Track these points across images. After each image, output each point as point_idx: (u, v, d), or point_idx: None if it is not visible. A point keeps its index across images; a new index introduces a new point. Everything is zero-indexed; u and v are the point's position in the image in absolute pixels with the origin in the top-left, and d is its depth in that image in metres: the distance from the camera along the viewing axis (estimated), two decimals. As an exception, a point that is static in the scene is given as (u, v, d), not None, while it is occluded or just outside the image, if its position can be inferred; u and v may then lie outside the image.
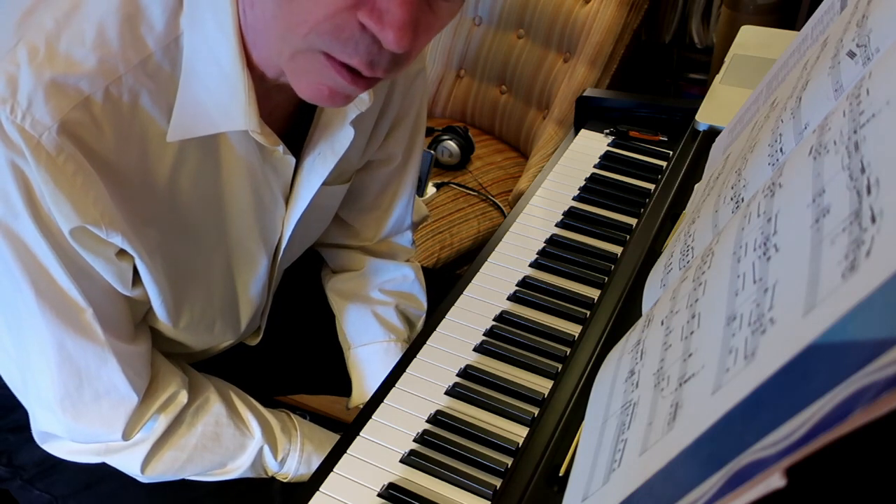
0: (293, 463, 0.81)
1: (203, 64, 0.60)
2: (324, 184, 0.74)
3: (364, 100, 0.69)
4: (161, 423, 0.74)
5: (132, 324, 0.71)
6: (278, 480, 0.82)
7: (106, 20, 0.57)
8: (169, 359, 0.78)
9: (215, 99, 0.61)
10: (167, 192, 0.65)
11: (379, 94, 0.79)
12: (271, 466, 0.80)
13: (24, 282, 0.61)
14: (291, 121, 0.72)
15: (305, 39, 0.54)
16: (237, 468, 0.78)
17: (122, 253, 0.64)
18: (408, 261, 0.99)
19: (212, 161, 0.66)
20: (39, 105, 0.55)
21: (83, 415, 0.69)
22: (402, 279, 0.97)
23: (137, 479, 0.76)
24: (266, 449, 0.79)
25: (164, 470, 0.75)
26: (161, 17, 0.59)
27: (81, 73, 0.56)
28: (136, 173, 0.62)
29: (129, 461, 0.74)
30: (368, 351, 0.94)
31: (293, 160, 0.70)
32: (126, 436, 0.72)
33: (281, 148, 0.67)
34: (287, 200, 0.75)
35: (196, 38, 0.59)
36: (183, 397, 0.75)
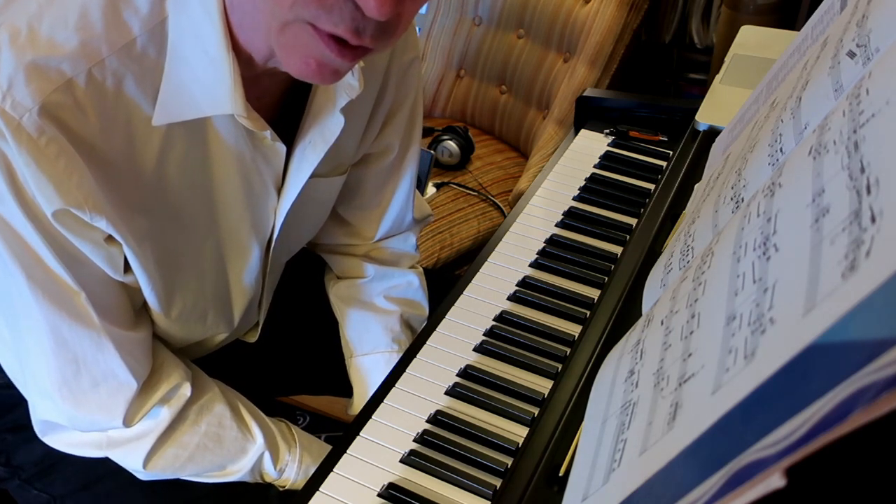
0: (291, 473, 0.81)
1: (188, 47, 0.60)
2: (317, 175, 0.74)
3: (354, 86, 0.69)
4: (165, 416, 0.73)
5: (130, 310, 0.71)
6: (276, 485, 0.82)
7: (89, 3, 0.57)
8: (172, 350, 0.78)
9: (201, 83, 0.61)
10: (155, 178, 0.64)
11: (372, 83, 0.79)
12: (270, 473, 0.80)
13: (15, 266, 0.61)
14: (282, 110, 0.71)
15: (292, 10, 0.54)
16: (236, 471, 0.78)
17: (110, 238, 0.64)
18: (412, 267, 0.99)
19: (199, 147, 0.66)
20: (20, 87, 0.55)
21: (82, 402, 0.69)
22: (406, 286, 0.97)
23: (137, 475, 0.76)
24: (266, 455, 0.79)
25: (164, 467, 0.75)
26: (146, 0, 0.58)
27: (63, 55, 0.56)
28: (121, 159, 0.62)
29: (131, 456, 0.74)
30: (371, 360, 0.93)
31: (283, 147, 0.70)
32: (127, 422, 0.71)
33: (269, 133, 0.67)
34: (279, 191, 0.74)
35: (182, 22, 0.59)
36: (186, 390, 0.75)
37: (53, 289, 0.63)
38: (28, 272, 0.62)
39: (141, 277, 0.68)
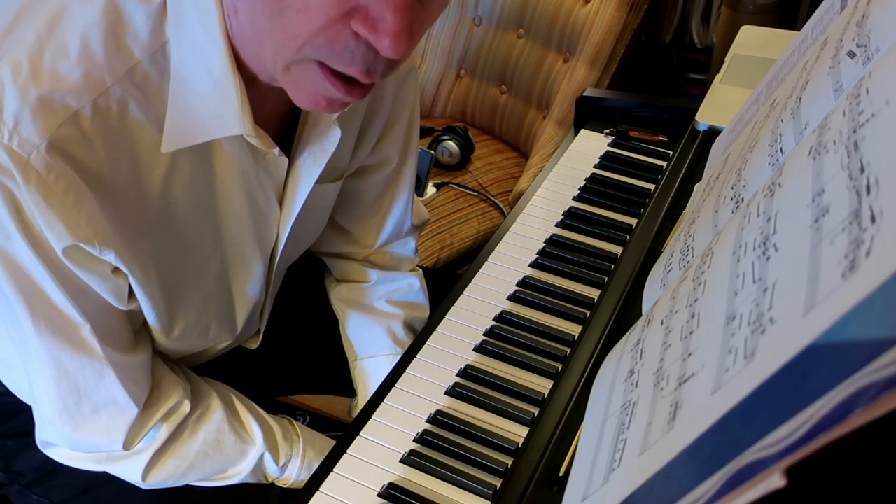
0: (294, 469, 0.81)
1: (192, 71, 0.59)
2: (316, 182, 0.74)
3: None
4: (163, 432, 0.74)
5: (131, 333, 0.71)
6: (277, 485, 0.82)
7: (89, 31, 0.56)
8: (170, 364, 0.78)
9: (207, 105, 0.60)
10: (160, 201, 0.64)
11: None
12: (272, 472, 0.80)
13: (18, 301, 0.61)
14: (283, 122, 0.71)
15: (300, 52, 0.54)
16: (238, 473, 0.78)
17: (117, 269, 0.63)
18: (412, 270, 0.99)
19: (205, 167, 0.65)
20: (27, 124, 0.54)
21: (82, 427, 0.69)
22: (408, 288, 0.97)
23: (138, 486, 0.76)
24: (267, 455, 0.79)
25: (165, 477, 0.75)
26: (145, 25, 0.57)
27: (68, 87, 0.55)
28: (128, 185, 0.61)
29: (130, 470, 0.74)
30: (375, 363, 0.93)
31: (286, 160, 0.70)
32: (127, 446, 0.71)
33: (276, 150, 0.66)
34: (280, 202, 0.74)
35: (183, 45, 0.58)
36: (186, 407, 0.75)
37: (57, 322, 0.63)
38: (31, 307, 0.62)
39: (144, 303, 0.68)
